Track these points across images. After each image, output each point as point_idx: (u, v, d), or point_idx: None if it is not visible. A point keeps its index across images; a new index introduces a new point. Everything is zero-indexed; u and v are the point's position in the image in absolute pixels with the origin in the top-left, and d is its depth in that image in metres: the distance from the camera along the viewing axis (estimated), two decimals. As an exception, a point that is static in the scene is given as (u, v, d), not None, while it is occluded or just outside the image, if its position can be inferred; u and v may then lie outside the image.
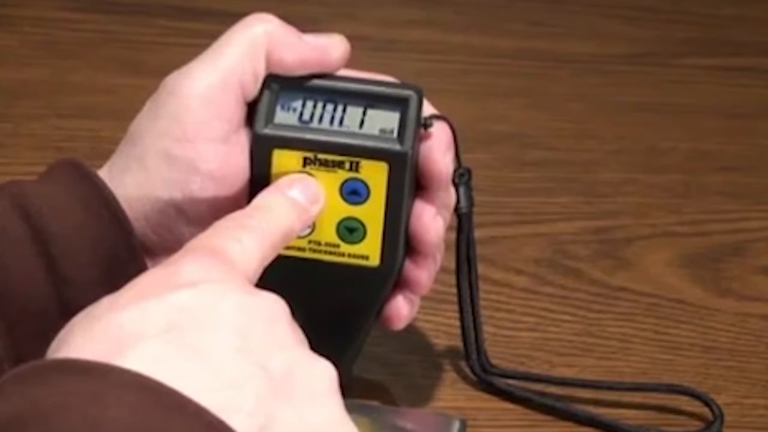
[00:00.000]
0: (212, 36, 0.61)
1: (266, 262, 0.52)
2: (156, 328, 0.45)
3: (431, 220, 0.62)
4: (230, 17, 0.61)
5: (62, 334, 0.46)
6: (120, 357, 0.43)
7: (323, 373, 0.48)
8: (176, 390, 0.43)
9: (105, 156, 0.61)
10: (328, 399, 0.47)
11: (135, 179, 0.59)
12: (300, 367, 0.47)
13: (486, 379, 0.69)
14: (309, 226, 0.60)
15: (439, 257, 0.63)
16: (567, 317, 0.77)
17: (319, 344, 0.64)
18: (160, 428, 0.42)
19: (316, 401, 0.47)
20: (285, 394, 0.46)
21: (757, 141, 1.00)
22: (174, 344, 0.44)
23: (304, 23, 0.62)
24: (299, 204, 0.57)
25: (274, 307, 0.49)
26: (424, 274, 0.62)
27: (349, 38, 0.61)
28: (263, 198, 0.57)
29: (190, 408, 0.43)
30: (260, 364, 0.46)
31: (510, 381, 0.70)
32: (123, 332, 0.44)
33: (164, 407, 0.42)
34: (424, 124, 0.60)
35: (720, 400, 0.70)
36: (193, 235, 0.58)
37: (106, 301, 0.46)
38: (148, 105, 0.60)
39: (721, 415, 0.68)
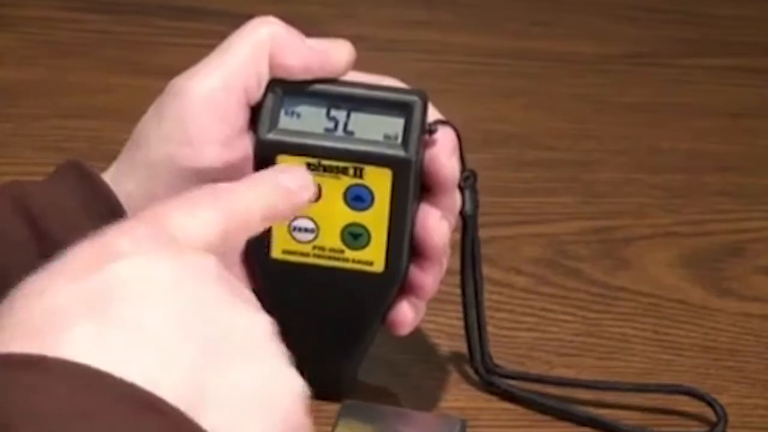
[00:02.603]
0: (212, 36, 0.61)
1: (233, 236, 0.50)
2: (79, 310, 0.44)
3: (436, 224, 0.62)
4: (230, 17, 0.61)
5: None
6: (45, 348, 0.42)
7: (257, 325, 0.47)
8: (109, 373, 0.42)
9: (105, 156, 0.61)
10: (264, 351, 0.46)
11: (138, 181, 0.59)
12: (232, 325, 0.46)
13: (490, 380, 0.69)
14: (311, 230, 0.60)
15: (444, 262, 0.63)
16: (567, 317, 0.77)
17: (323, 349, 0.64)
18: (93, 413, 0.42)
19: (253, 356, 0.46)
20: (219, 356, 0.45)
21: (757, 141, 1.00)
22: (100, 321, 0.44)
23: (305, 24, 0.62)
24: (285, 186, 0.54)
25: (202, 266, 0.47)
26: (429, 278, 0.62)
27: (350, 38, 0.62)
28: (250, 176, 0.55)
29: (121, 388, 0.42)
30: (191, 329, 0.45)
31: (514, 382, 0.69)
32: (46, 321, 0.44)
33: (96, 391, 0.42)
34: (429, 130, 0.60)
35: (720, 400, 0.70)
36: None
37: (30, 284, 0.45)
38: (153, 108, 0.60)
39: (725, 416, 0.68)
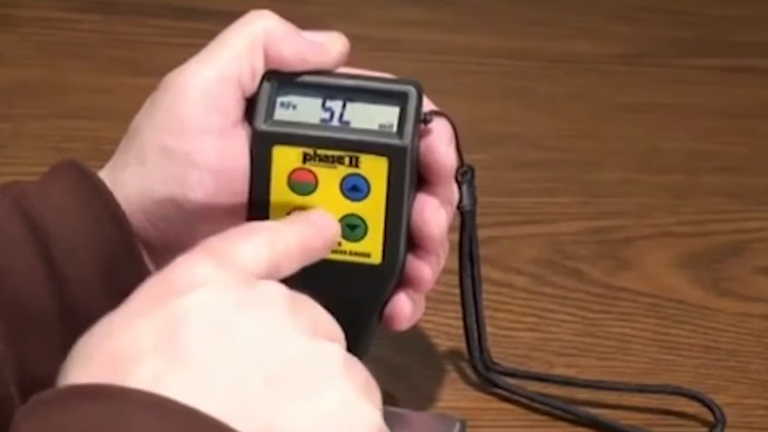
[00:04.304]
0: (212, 36, 0.61)
1: (276, 270, 0.52)
2: (150, 344, 0.45)
3: (434, 214, 0.61)
4: (230, 17, 0.61)
5: (67, 360, 0.46)
6: (120, 381, 0.44)
7: (325, 357, 0.47)
8: (187, 405, 0.43)
9: (105, 156, 0.61)
10: (334, 382, 0.47)
11: (134, 174, 0.59)
12: (299, 356, 0.47)
13: (488, 377, 0.69)
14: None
15: (442, 254, 0.63)
16: (567, 317, 0.77)
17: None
18: None
19: (319, 388, 0.47)
20: (287, 388, 0.46)
21: (757, 141, 1.00)
22: (168, 358, 0.45)
23: (304, 23, 0.62)
24: (312, 220, 0.58)
25: (267, 295, 0.48)
26: (426, 270, 0.62)
27: (350, 38, 0.61)
28: (285, 218, 0.58)
29: (202, 421, 0.43)
30: (258, 363, 0.46)
31: (512, 380, 0.69)
32: (119, 355, 0.45)
33: (183, 426, 0.43)
34: (424, 120, 0.60)
35: (720, 400, 0.70)
36: (192, 229, 0.58)
37: (103, 324, 0.47)
38: (148, 101, 0.60)
39: (723, 418, 0.68)
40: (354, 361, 0.49)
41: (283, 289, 0.49)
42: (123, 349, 0.45)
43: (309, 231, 0.56)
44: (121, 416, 0.42)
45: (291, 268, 0.53)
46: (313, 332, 0.48)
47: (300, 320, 0.49)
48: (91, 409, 0.43)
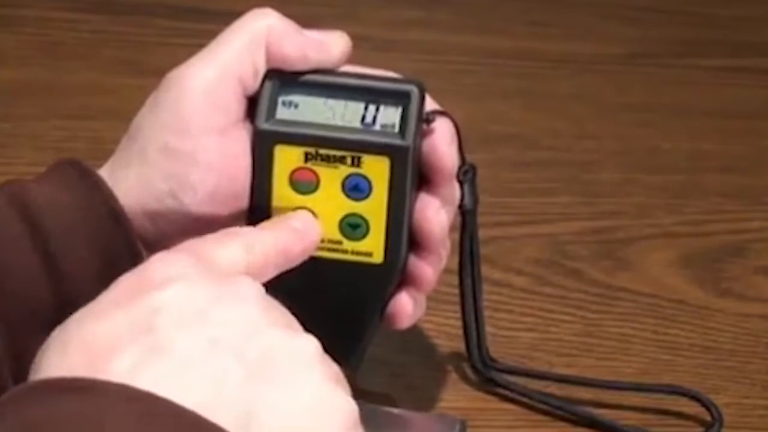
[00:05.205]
0: (213, 36, 0.61)
1: (255, 275, 0.52)
2: (127, 336, 0.45)
3: (435, 214, 0.61)
4: (231, 17, 0.61)
5: (39, 354, 0.46)
6: (96, 372, 0.44)
7: (301, 348, 0.48)
8: (165, 398, 0.43)
9: (105, 156, 0.61)
10: (309, 374, 0.48)
11: (135, 173, 0.59)
12: (276, 347, 0.47)
13: (487, 375, 0.69)
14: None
15: (444, 254, 0.63)
16: (567, 317, 0.77)
17: (324, 344, 0.64)
18: None
19: (297, 378, 0.47)
20: (264, 378, 0.46)
21: (757, 141, 1.00)
22: (146, 349, 0.45)
23: (305, 24, 0.62)
24: (293, 227, 0.58)
25: (243, 290, 0.49)
26: (428, 269, 0.62)
27: (350, 38, 0.62)
28: (265, 222, 0.58)
29: (176, 411, 0.43)
30: (235, 352, 0.46)
31: (511, 378, 0.69)
32: (96, 347, 0.45)
33: (157, 417, 0.43)
34: (426, 119, 0.60)
35: (720, 400, 0.70)
36: (192, 227, 0.58)
37: (79, 315, 0.47)
38: (150, 100, 0.60)
39: (720, 418, 0.68)
40: (325, 355, 0.49)
41: (258, 286, 0.50)
42: (99, 341, 0.45)
43: (288, 237, 0.57)
44: (98, 409, 0.43)
45: (269, 273, 0.54)
46: (285, 324, 0.49)
47: (274, 315, 0.49)
48: (67, 403, 0.43)
